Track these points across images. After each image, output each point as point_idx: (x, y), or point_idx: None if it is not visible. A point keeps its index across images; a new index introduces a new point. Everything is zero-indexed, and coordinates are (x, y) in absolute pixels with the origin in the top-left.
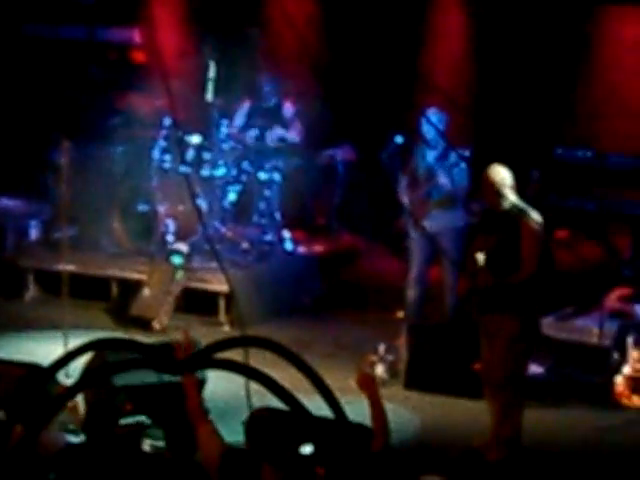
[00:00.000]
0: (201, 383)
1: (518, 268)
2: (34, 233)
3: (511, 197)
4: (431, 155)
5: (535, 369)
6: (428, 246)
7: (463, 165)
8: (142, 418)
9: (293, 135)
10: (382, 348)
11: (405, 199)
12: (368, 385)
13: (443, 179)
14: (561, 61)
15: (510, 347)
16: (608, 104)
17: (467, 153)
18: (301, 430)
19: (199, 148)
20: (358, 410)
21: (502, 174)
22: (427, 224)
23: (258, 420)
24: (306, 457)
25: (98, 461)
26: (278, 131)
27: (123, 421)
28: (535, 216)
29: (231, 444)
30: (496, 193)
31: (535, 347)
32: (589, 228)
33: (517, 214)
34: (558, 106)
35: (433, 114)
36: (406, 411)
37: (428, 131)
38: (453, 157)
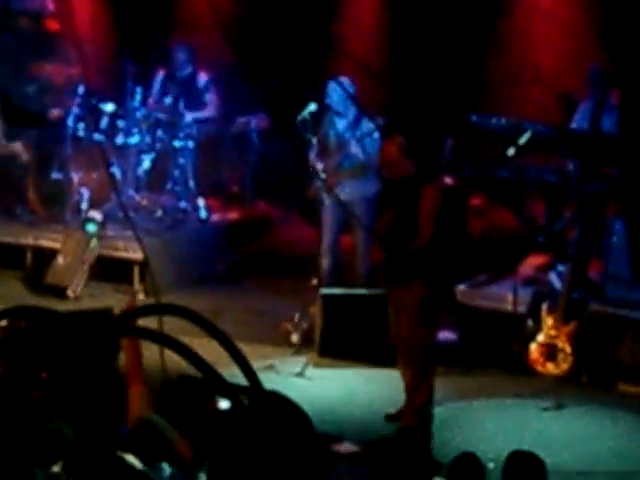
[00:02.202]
0: (115, 350)
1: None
2: None
3: (409, 167)
4: (341, 123)
5: (449, 336)
6: (340, 214)
7: (376, 134)
8: None
9: (208, 112)
10: (297, 316)
11: (317, 167)
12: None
13: (354, 148)
14: (475, 28)
15: (417, 315)
16: (521, 71)
17: (380, 121)
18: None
19: (113, 116)
20: (274, 379)
21: (397, 144)
22: (339, 192)
23: (168, 389)
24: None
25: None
26: (191, 114)
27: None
28: (437, 184)
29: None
30: (393, 164)
31: (447, 314)
32: (504, 195)
33: (417, 184)
34: (472, 73)
35: (343, 81)
36: (319, 379)
37: (337, 99)
38: (365, 126)
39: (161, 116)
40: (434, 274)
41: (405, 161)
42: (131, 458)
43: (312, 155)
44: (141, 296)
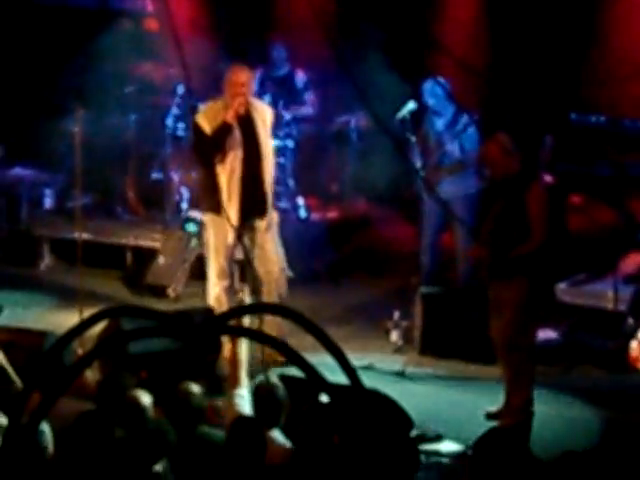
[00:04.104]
0: (216, 349)
1: (526, 234)
2: (48, 202)
3: (514, 165)
4: (440, 122)
5: (550, 335)
6: (441, 213)
7: (473, 130)
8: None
9: (306, 110)
10: (397, 314)
11: (417, 166)
12: None
13: (450, 145)
14: (574, 24)
15: (518, 313)
16: (621, 68)
17: (476, 118)
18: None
19: None
20: (374, 377)
21: (502, 143)
22: (439, 191)
23: (264, 390)
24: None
25: (108, 430)
26: (291, 112)
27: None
28: (540, 182)
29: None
30: (497, 163)
31: (549, 313)
32: (603, 193)
33: (522, 183)
34: (571, 71)
35: (440, 80)
36: (421, 377)
37: (435, 98)
38: (463, 122)
39: None
40: (537, 273)
41: (508, 159)
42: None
43: (412, 154)
44: (241, 295)
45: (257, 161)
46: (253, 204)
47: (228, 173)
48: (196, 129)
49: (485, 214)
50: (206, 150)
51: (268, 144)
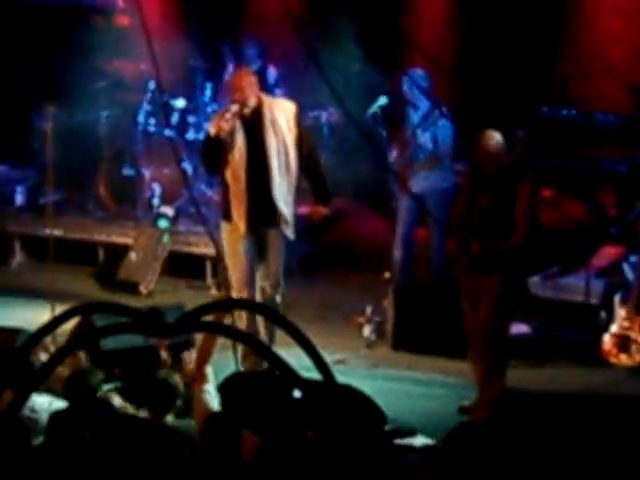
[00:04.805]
0: (186, 344)
1: (510, 231)
2: (20, 199)
3: (505, 160)
4: (415, 116)
5: (522, 329)
6: (414, 207)
7: (447, 124)
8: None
9: None
10: (369, 309)
11: (390, 160)
12: None
13: (425, 139)
14: (545, 20)
15: (494, 307)
16: (592, 63)
17: (450, 112)
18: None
19: (184, 111)
20: (347, 372)
21: (497, 138)
22: (412, 185)
23: (232, 384)
24: (291, 421)
25: (80, 427)
26: None
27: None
28: (531, 178)
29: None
30: (493, 159)
31: (521, 307)
32: (575, 187)
33: (513, 178)
34: (542, 65)
35: (416, 74)
36: (394, 372)
37: (411, 91)
38: (437, 117)
39: None
40: (516, 267)
41: (502, 154)
42: None
43: (384, 148)
44: (213, 291)
45: (263, 168)
46: (261, 214)
47: (233, 181)
48: (205, 135)
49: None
50: (207, 157)
51: (287, 146)
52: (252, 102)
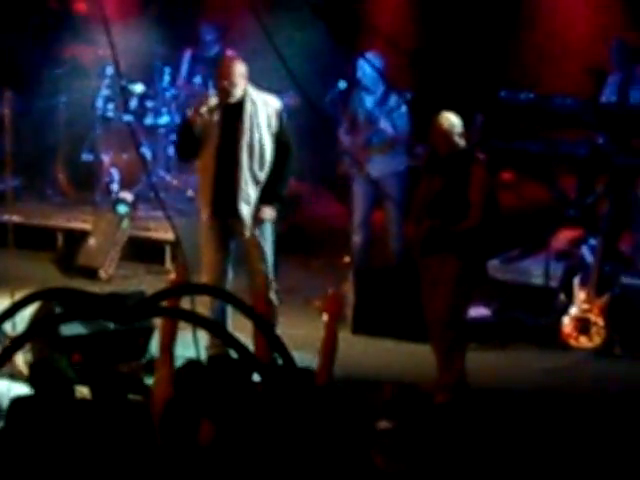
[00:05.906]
0: (149, 331)
1: (463, 212)
2: None
3: (461, 143)
4: (370, 100)
5: (482, 312)
6: (371, 191)
7: (404, 108)
8: None
9: None
10: (329, 293)
11: (346, 144)
12: (334, 304)
13: (383, 123)
14: (504, 4)
15: (452, 290)
16: (550, 46)
17: (408, 96)
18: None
19: (142, 97)
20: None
21: (451, 120)
22: (369, 169)
23: (187, 372)
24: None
25: (45, 412)
26: None
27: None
28: (483, 161)
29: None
30: (445, 140)
31: (480, 290)
32: (534, 170)
33: (466, 161)
34: (501, 49)
35: (372, 57)
36: (354, 356)
37: (366, 75)
38: (393, 101)
39: (190, 96)
40: (474, 249)
41: (455, 137)
42: None
43: (341, 132)
44: (173, 276)
45: (233, 162)
46: (224, 204)
47: (202, 170)
48: (182, 118)
49: (413, 191)
50: (179, 140)
51: (263, 143)
52: (237, 93)
